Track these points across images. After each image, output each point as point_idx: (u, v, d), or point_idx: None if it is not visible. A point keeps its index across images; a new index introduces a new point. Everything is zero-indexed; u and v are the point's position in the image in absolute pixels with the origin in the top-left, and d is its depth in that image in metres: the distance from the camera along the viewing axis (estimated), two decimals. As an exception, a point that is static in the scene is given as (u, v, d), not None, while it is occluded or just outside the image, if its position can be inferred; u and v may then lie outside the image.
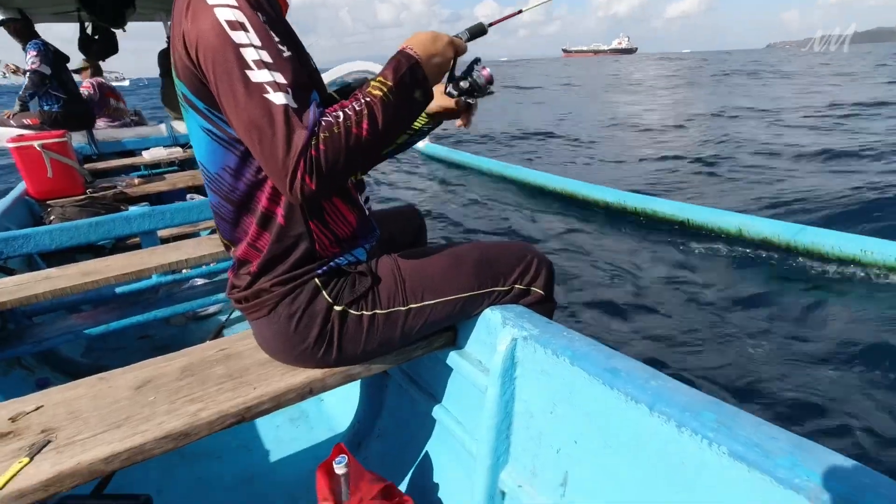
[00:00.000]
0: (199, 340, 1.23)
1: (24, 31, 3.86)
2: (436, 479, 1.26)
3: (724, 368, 2.34)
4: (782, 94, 14.48)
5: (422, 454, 1.32)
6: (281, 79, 0.75)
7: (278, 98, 0.74)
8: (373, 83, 0.83)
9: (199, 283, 2.27)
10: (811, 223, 3.64)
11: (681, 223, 4.06)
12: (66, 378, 1.86)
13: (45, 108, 4.02)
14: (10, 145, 2.73)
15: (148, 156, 3.91)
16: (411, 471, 1.32)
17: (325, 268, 0.96)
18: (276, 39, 0.77)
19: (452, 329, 1.16)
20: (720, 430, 0.67)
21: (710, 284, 3.21)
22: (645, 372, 0.80)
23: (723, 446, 0.65)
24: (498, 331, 1.02)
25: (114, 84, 5.14)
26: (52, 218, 2.62)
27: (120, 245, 2.73)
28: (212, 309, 2.41)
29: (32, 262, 2.40)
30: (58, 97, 3.99)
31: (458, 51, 0.94)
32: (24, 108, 4.05)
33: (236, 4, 0.75)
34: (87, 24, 4.57)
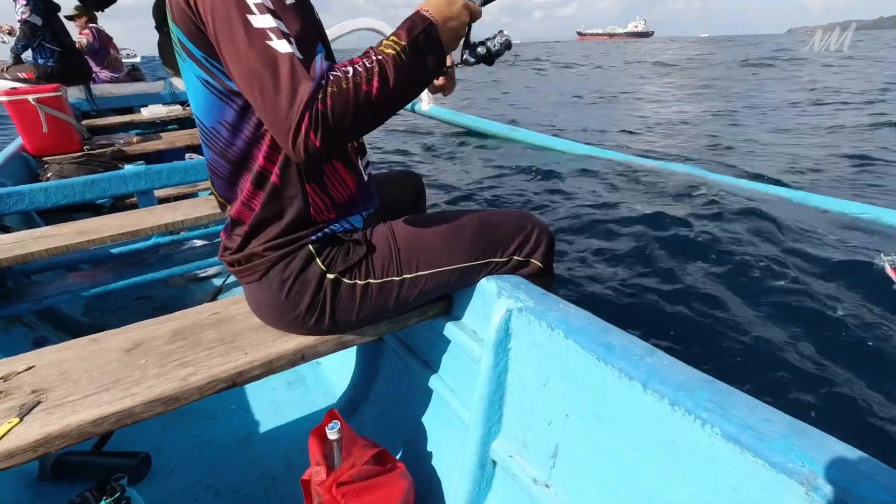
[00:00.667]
0: (198, 302, 1.22)
1: None
2: (429, 446, 1.27)
3: (727, 348, 2.33)
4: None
5: (415, 421, 1.33)
6: (284, 27, 0.70)
7: (282, 46, 0.69)
8: (385, 42, 0.78)
9: (197, 245, 2.26)
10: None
11: (697, 186, 3.99)
12: (67, 336, 1.87)
13: (40, 61, 3.92)
14: (4, 98, 2.67)
15: (147, 113, 3.83)
16: (404, 437, 1.34)
17: (319, 234, 0.93)
18: None
19: (448, 298, 1.14)
20: (714, 410, 0.65)
21: (722, 259, 3.17)
22: (640, 348, 0.78)
23: (716, 427, 0.64)
24: (493, 301, 1.00)
25: (125, 62, 5.00)
26: (48, 175, 2.59)
27: (119, 204, 2.70)
28: (211, 271, 2.40)
29: (30, 219, 2.38)
30: (52, 50, 3.89)
31: (474, 16, 0.89)
32: (18, 60, 3.95)
33: None
34: None
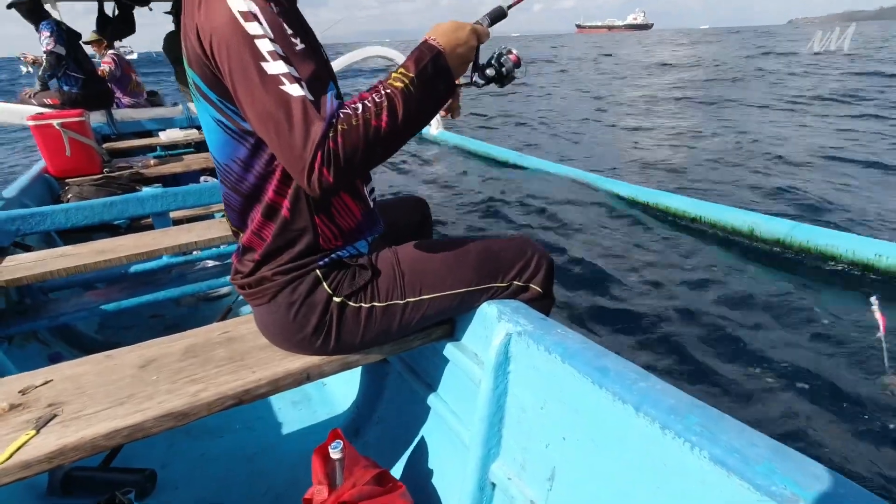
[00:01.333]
0: (209, 321, 1.26)
1: (34, 12, 3.90)
2: (430, 466, 1.29)
3: (722, 372, 2.32)
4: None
5: (417, 442, 1.35)
6: (296, 71, 0.75)
7: (295, 90, 0.74)
8: (394, 74, 0.82)
9: (209, 266, 2.32)
10: None
11: (693, 219, 4.01)
12: (80, 353, 1.92)
13: (65, 88, 4.09)
14: (31, 123, 2.79)
15: (164, 137, 3.96)
16: (406, 458, 1.35)
17: (326, 259, 0.97)
18: (290, 31, 0.77)
19: (451, 321, 1.17)
20: (703, 434, 0.67)
21: (720, 284, 3.17)
22: (634, 372, 0.81)
23: (704, 450, 0.66)
24: (493, 325, 1.03)
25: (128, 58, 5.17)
26: (69, 196, 2.68)
27: (135, 225, 2.79)
28: (222, 291, 2.45)
29: (50, 239, 2.46)
30: (76, 78, 4.05)
31: (481, 38, 0.92)
32: (45, 87, 4.12)
33: None
34: (105, 2, 4.61)
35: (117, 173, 2.99)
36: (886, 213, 4.19)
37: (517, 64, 0.98)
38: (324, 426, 1.58)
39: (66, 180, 2.84)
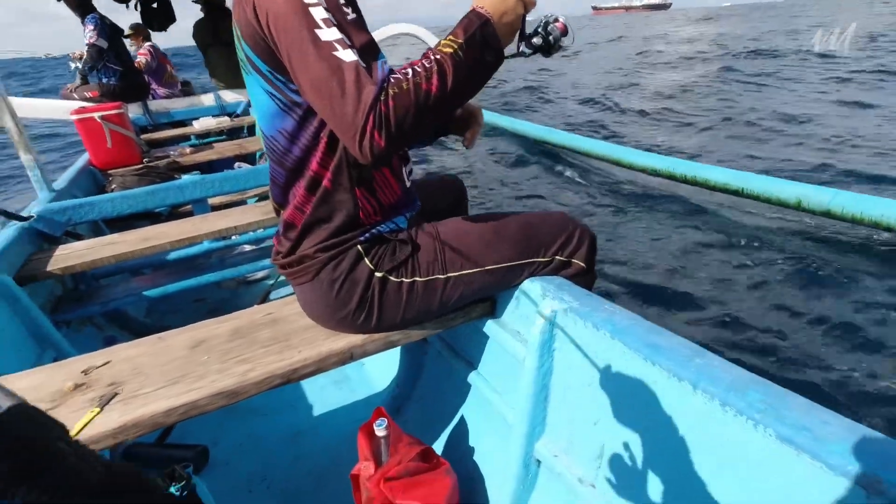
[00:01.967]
0: (249, 304, 1.29)
1: (82, 5, 4.00)
2: (472, 444, 1.29)
3: (780, 350, 2.24)
4: None
5: (458, 420, 1.35)
6: (348, 38, 0.75)
7: (347, 55, 0.74)
8: (444, 41, 0.82)
9: (247, 250, 2.37)
10: None
11: (735, 191, 3.84)
12: (131, 336, 2.00)
13: (104, 80, 4.20)
14: (74, 117, 2.88)
15: (198, 125, 4.04)
16: (448, 435, 1.36)
17: (367, 234, 0.97)
18: (342, 1, 0.78)
19: (491, 299, 1.16)
20: (767, 411, 0.64)
21: (766, 261, 3.05)
22: (688, 349, 0.78)
23: (769, 428, 0.63)
24: (538, 302, 1.01)
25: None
26: (113, 186, 2.77)
27: (175, 212, 2.87)
28: (259, 274, 2.51)
29: (98, 228, 2.56)
30: (115, 70, 4.16)
31: (528, 6, 0.89)
32: (85, 81, 4.25)
33: None
34: None
35: (156, 163, 3.07)
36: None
37: (564, 32, 0.94)
38: (365, 405, 1.61)
39: (109, 171, 2.93)
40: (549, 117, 7.95)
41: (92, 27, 3.94)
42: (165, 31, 5.06)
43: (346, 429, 1.48)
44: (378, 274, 0.98)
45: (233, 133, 4.12)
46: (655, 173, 4.41)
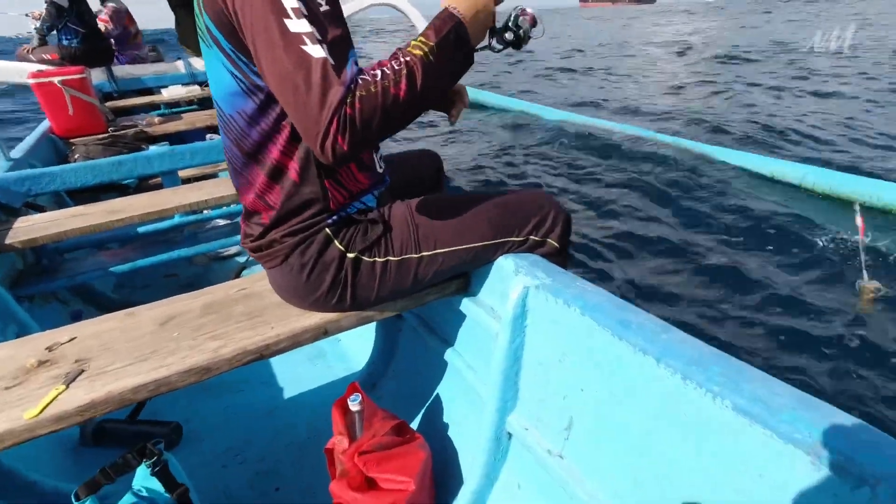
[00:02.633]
0: (222, 279, 1.27)
1: None
2: (446, 419, 1.32)
3: (744, 326, 2.31)
4: None
5: (433, 395, 1.38)
6: (318, 32, 0.72)
7: (316, 51, 0.71)
8: (413, 42, 0.80)
9: (220, 224, 2.32)
10: None
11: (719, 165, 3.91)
12: (99, 312, 1.95)
13: (65, 42, 3.98)
14: (31, 81, 2.73)
15: (167, 94, 3.88)
16: (423, 410, 1.38)
17: (335, 217, 0.96)
18: None
19: (465, 275, 1.17)
20: (725, 383, 0.67)
21: (744, 237, 3.11)
22: (656, 325, 0.80)
23: (727, 400, 0.66)
24: (510, 279, 1.02)
25: None
26: (76, 156, 2.66)
27: (143, 185, 2.77)
28: (233, 249, 2.47)
29: (61, 199, 2.46)
30: (77, 31, 3.94)
31: (498, 0, 0.89)
32: (43, 41, 4.01)
33: None
34: None
35: (122, 132, 2.95)
36: None
37: (534, 23, 0.94)
38: (340, 381, 1.62)
39: (72, 140, 2.81)
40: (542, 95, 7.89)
41: None
42: None
43: (323, 403, 1.49)
44: (350, 255, 0.97)
45: (204, 103, 3.97)
46: (639, 140, 4.44)
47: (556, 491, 0.96)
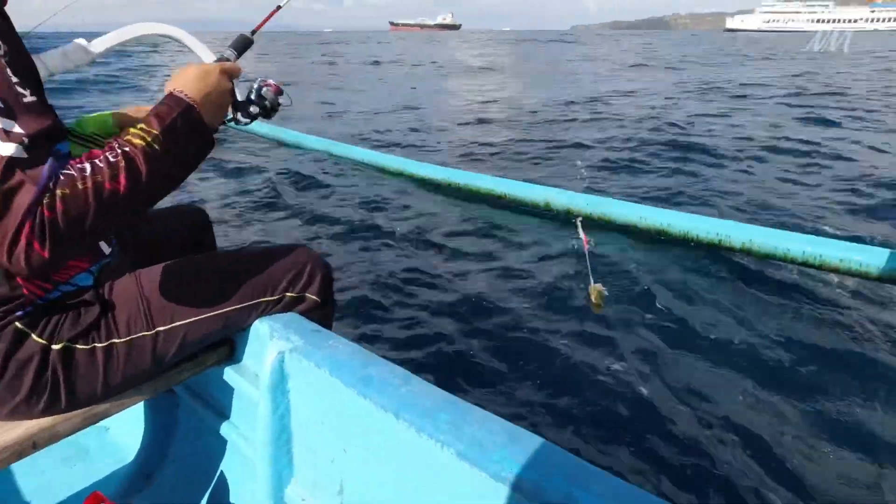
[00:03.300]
0: None
1: None
2: (232, 499, 1.18)
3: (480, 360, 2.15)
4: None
5: (216, 475, 1.23)
6: (13, 127, 0.62)
7: (2, 148, 0.61)
8: (132, 131, 0.71)
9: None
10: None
11: (499, 197, 3.99)
12: None
13: None
14: None
15: None
16: (206, 496, 1.22)
17: (28, 308, 0.79)
18: (15, 80, 0.63)
19: (229, 342, 1.07)
20: (450, 431, 0.70)
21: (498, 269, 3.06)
22: (398, 377, 0.81)
23: (451, 448, 0.68)
24: (266, 343, 0.96)
25: None
26: None
27: None
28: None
29: None
30: None
31: (233, 75, 0.84)
32: None
33: None
34: None
35: None
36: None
37: (279, 92, 0.92)
38: (110, 479, 1.35)
39: None
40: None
41: None
42: None
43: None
44: (56, 346, 0.81)
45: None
46: (426, 182, 4.41)
47: None
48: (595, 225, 3.47)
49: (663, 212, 3.39)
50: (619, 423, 1.82)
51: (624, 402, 1.90)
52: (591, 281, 1.56)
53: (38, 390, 0.81)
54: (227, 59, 0.87)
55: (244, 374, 1.05)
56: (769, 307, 2.54)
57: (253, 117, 0.90)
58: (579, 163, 5.32)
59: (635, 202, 3.78)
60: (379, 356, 0.87)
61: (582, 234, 1.46)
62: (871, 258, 2.65)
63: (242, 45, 0.91)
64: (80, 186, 0.64)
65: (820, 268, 2.78)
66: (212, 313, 0.93)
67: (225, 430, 1.16)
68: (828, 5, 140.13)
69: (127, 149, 0.69)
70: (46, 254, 0.63)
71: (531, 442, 0.67)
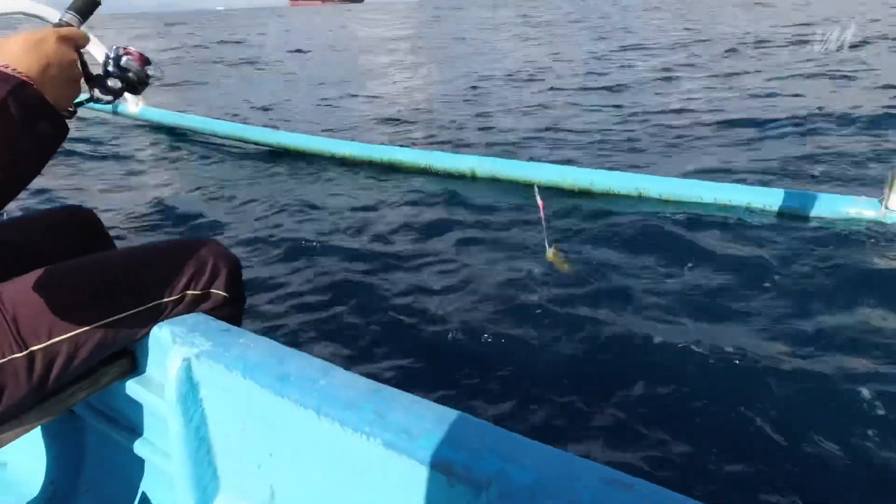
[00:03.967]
0: None
1: None
2: (157, 520, 1.09)
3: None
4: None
5: (137, 498, 1.12)
6: None
7: None
8: None
9: None
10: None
11: (424, 169, 3.93)
12: None
13: None
14: None
15: None
16: None
17: None
18: None
19: (128, 353, 0.95)
20: (375, 422, 0.66)
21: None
22: (317, 370, 0.75)
23: (377, 438, 0.64)
24: (169, 350, 0.86)
25: None
26: None
27: None
28: None
29: None
30: None
31: (79, 43, 0.68)
32: None
33: None
34: None
35: None
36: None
37: (145, 61, 0.78)
38: (13, 519, 1.20)
39: None
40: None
41: None
42: None
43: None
44: None
45: None
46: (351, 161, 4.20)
47: None
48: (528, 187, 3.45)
49: (586, 171, 3.49)
50: (560, 385, 1.84)
51: (568, 362, 1.93)
52: (548, 245, 1.57)
53: None
54: (69, 25, 0.72)
55: (149, 386, 0.94)
56: (693, 248, 2.69)
57: (117, 93, 0.77)
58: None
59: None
60: (296, 350, 0.80)
61: (539, 200, 1.44)
62: (773, 199, 2.90)
63: (86, 6, 0.74)
64: None
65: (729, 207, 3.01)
66: (98, 323, 0.82)
67: (139, 448, 1.06)
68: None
69: None
70: None
71: (460, 422, 0.64)
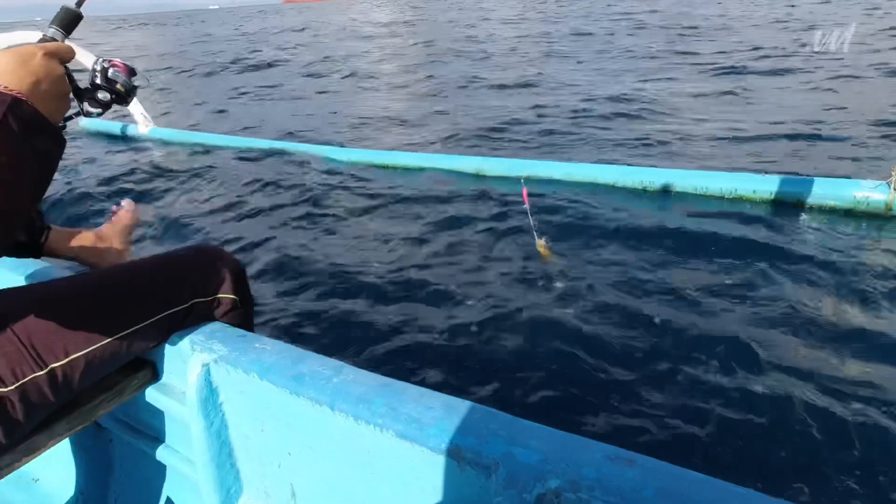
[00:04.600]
0: None
1: None
2: (183, 527, 1.12)
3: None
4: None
5: (164, 505, 1.16)
6: None
7: None
8: None
9: None
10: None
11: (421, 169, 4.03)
12: None
13: None
14: None
15: None
16: None
17: None
18: None
19: (149, 363, 0.99)
20: (387, 414, 0.68)
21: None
22: (329, 369, 0.78)
23: (390, 430, 0.67)
24: (188, 358, 0.90)
25: None
26: None
27: None
28: None
29: None
30: None
31: (65, 58, 0.70)
32: None
33: None
34: None
35: None
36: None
37: (131, 72, 0.80)
38: (44, 532, 1.25)
39: None
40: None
41: None
42: None
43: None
44: None
45: None
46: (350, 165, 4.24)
47: None
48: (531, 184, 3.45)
49: (592, 166, 3.51)
50: (567, 374, 1.87)
51: (568, 349, 1.95)
52: (536, 236, 1.61)
53: None
54: (54, 40, 0.72)
55: (170, 393, 0.98)
56: (699, 237, 2.69)
57: (105, 105, 0.78)
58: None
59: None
60: (310, 351, 0.84)
61: (524, 190, 1.48)
62: (778, 186, 2.90)
63: (69, 20, 0.74)
64: None
65: (740, 199, 3.00)
66: (112, 338, 0.85)
67: (163, 455, 1.10)
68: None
69: None
70: None
71: (468, 410, 0.66)
